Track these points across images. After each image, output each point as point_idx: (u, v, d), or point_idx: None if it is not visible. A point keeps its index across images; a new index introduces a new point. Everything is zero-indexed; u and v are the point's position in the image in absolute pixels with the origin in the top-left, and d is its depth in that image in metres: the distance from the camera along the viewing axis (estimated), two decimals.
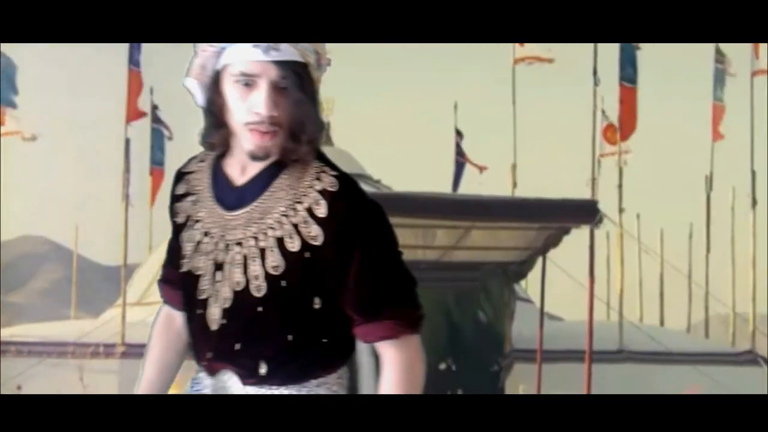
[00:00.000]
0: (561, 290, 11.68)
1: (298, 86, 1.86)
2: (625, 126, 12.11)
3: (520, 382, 10.80)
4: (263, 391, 1.90)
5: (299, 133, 1.87)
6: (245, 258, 1.90)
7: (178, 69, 2.03)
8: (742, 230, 14.45)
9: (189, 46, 1.98)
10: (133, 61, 12.28)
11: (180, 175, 2.04)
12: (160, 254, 3.31)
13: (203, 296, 1.93)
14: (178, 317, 2.07)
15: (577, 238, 10.04)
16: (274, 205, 1.89)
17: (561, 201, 9.57)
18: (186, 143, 2.31)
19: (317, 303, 1.90)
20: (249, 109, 1.86)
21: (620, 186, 12.16)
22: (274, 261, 1.88)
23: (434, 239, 10.43)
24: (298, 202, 1.88)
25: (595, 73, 11.12)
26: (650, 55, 12.36)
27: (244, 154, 1.91)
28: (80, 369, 11.07)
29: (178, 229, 2.01)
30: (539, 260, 10.64)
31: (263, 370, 1.89)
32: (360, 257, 1.87)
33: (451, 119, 14.73)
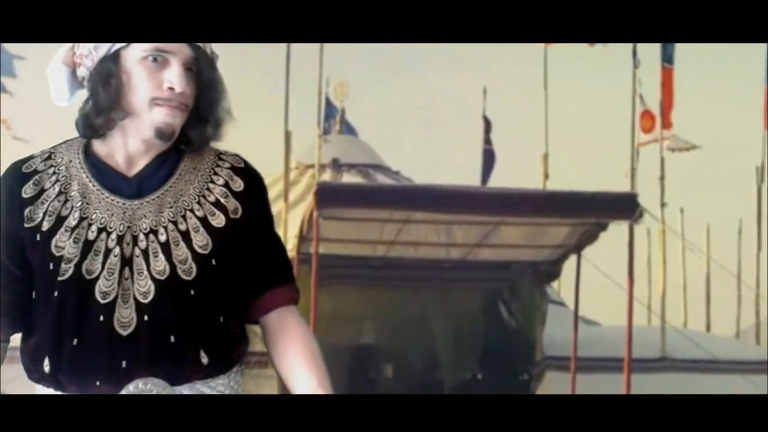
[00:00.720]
0: (597, 292, 11.63)
1: (209, 68, 2.00)
2: (667, 112, 12.06)
3: (552, 392, 10.77)
4: (198, 388, 1.96)
5: (206, 114, 2.00)
6: (166, 244, 1.95)
7: None
8: None
9: None
10: None
11: (25, 176, 2.01)
12: None
13: (107, 299, 1.93)
14: None
15: (615, 234, 9.99)
16: (185, 187, 2.01)
17: (597, 194, 9.52)
18: None
19: (236, 280, 2.02)
20: (159, 85, 1.95)
21: (662, 178, 12.10)
22: (202, 240, 1.98)
23: (458, 236, 10.42)
24: (211, 182, 2.03)
25: (634, 53, 11.06)
26: None
27: (134, 141, 1.99)
28: None
29: (32, 236, 1.96)
30: (573, 259, 10.61)
31: (205, 359, 1.95)
32: (267, 227, 2.10)
33: (477, 104, 14.70)
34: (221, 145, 2.09)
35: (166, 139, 1.98)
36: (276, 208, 2.26)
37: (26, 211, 1.98)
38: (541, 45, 13.41)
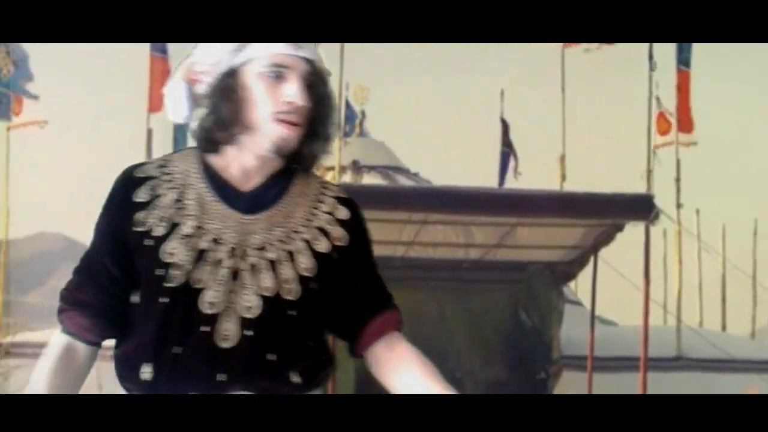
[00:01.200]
0: (613, 292, 11.61)
1: (322, 83, 2.02)
2: (683, 115, 11.99)
3: (568, 391, 10.74)
4: None
5: (319, 128, 2.02)
6: (274, 262, 1.96)
7: None
8: None
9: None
10: (157, 48, 12.37)
11: (138, 181, 2.01)
12: None
13: (212, 310, 1.92)
14: (81, 350, 2.00)
15: (632, 235, 9.97)
16: (295, 209, 2.02)
17: (613, 195, 9.49)
18: None
19: (329, 306, 2.03)
20: (278, 99, 1.97)
21: (678, 179, 12.05)
22: (307, 263, 1.99)
23: (476, 237, 10.41)
24: (315, 208, 2.04)
25: (650, 57, 11.01)
26: None
27: (249, 157, 2.00)
28: (98, 377, 11.16)
29: (140, 240, 1.95)
30: (590, 259, 10.58)
31: (297, 379, 1.95)
32: (371, 256, 2.11)
33: (494, 107, 14.70)
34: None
35: (282, 154, 1.99)
36: None
37: (136, 215, 1.97)
38: (559, 48, 13.39)
